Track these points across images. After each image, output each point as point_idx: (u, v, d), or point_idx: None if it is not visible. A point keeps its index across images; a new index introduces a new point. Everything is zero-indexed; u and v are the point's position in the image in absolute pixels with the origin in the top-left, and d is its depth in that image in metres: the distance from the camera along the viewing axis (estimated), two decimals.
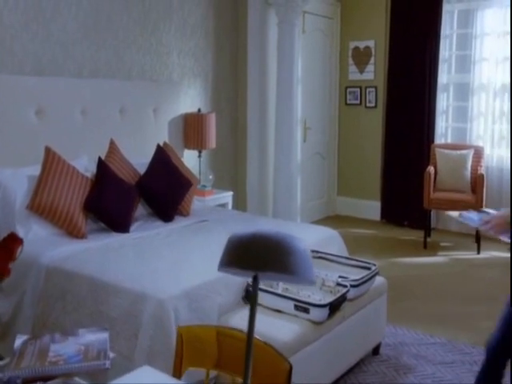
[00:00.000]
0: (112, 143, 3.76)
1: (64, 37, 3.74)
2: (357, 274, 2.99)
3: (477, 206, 5.21)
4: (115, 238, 3.26)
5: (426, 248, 5.43)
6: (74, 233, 3.25)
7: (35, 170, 3.32)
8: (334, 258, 3.23)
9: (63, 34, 3.74)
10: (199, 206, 4.15)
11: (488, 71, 5.67)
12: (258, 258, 1.05)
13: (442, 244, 5.63)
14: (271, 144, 5.25)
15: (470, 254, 5.27)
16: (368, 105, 6.42)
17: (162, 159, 3.85)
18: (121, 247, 3.09)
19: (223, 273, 1.19)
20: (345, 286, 2.81)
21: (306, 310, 2.63)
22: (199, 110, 4.64)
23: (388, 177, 6.32)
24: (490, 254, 5.26)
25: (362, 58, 6.40)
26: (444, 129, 6.08)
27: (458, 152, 5.51)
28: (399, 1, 6.01)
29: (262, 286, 2.80)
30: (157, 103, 4.33)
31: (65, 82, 3.73)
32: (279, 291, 2.81)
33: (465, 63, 5.86)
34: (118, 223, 3.41)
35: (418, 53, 5.92)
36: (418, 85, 5.96)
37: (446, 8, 5.80)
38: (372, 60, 6.32)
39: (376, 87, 6.32)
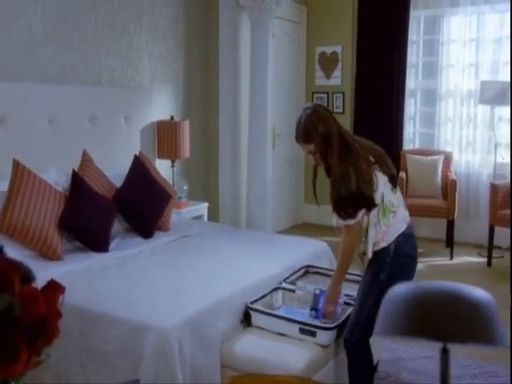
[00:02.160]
0: (85, 154, 3.48)
1: (28, 37, 3.43)
2: (354, 289, 2.85)
3: (449, 212, 5.23)
4: (95, 259, 2.99)
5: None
6: (48, 254, 2.96)
7: (2, 186, 3.01)
8: (331, 274, 3.08)
9: (27, 34, 3.43)
10: (176, 220, 3.92)
11: (455, 77, 5.71)
12: (451, 325, 0.84)
13: (420, 251, 5.60)
14: (244, 152, 5.07)
15: (443, 260, 5.27)
16: (335, 110, 6.34)
17: (140, 171, 3.60)
18: (104, 269, 2.83)
19: (395, 338, 0.94)
20: (350, 305, 2.67)
21: (313, 334, 2.46)
22: (172, 118, 4.41)
23: None
24: (463, 259, 5.28)
25: (328, 63, 6.32)
26: (412, 134, 6.09)
27: (429, 158, 5.52)
28: (366, 6, 5.97)
29: (262, 307, 2.62)
30: (128, 111, 4.06)
31: (29, 87, 3.42)
32: (282, 312, 2.64)
33: (432, 69, 5.88)
34: (97, 242, 3.14)
35: (385, 58, 5.89)
36: (386, 90, 5.94)
37: (412, 14, 5.80)
38: (339, 65, 6.26)
39: (343, 93, 6.26)
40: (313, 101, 6.42)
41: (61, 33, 3.63)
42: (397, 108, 5.90)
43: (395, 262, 2.44)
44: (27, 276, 0.93)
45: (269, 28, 4.76)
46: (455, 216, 5.28)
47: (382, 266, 2.45)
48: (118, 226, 3.48)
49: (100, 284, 2.61)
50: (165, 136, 4.26)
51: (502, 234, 5.17)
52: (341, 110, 6.30)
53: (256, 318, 2.58)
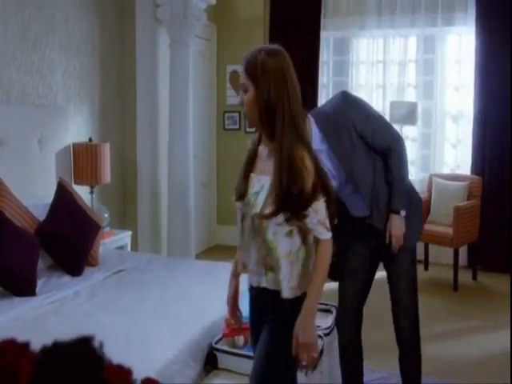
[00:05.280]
0: (1, 183, 3.02)
1: None
2: (317, 319, 2.72)
3: None
4: (25, 306, 2.57)
5: None
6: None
7: None
8: None
9: None
10: (102, 252, 3.54)
11: (365, 97, 5.83)
12: None
13: None
14: (163, 177, 4.77)
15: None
16: (247, 130, 6.24)
17: (65, 199, 3.20)
18: (40, 318, 2.43)
19: None
20: (319, 337, 2.52)
21: None
22: (90, 140, 4.02)
23: None
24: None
25: (239, 81, 6.22)
26: None
27: None
28: (277, 26, 5.97)
29: (224, 347, 2.38)
30: (42, 132, 3.63)
31: None
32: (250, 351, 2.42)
33: (342, 89, 5.99)
34: (22, 284, 2.72)
35: (297, 78, 5.90)
36: None
37: (323, 35, 5.89)
38: None
39: None
40: (224, 120, 6.28)
41: None
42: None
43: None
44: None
45: (189, 45, 4.55)
46: None
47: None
48: (40, 263, 3.05)
49: (44, 337, 2.22)
50: (83, 160, 3.87)
51: None
52: (253, 130, 6.19)
53: (223, 360, 2.35)
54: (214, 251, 6.16)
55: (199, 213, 6.07)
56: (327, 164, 2.35)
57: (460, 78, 5.47)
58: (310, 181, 1.70)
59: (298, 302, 1.79)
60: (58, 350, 0.56)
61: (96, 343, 0.60)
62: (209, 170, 6.26)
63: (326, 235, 1.76)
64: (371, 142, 2.34)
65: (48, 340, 2.05)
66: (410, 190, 2.55)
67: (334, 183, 2.34)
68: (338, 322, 2.66)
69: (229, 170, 6.37)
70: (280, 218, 1.72)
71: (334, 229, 1.81)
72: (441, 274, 5.13)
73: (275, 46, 1.86)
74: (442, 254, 5.35)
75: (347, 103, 2.35)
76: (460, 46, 5.50)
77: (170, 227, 4.71)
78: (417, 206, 2.59)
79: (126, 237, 4.13)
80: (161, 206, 4.86)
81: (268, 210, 1.72)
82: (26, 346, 0.54)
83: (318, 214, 1.73)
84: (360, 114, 2.33)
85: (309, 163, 1.71)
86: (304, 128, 1.83)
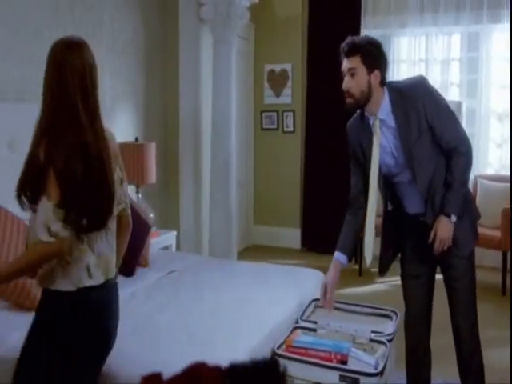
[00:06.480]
0: None
1: None
2: (376, 324, 2.67)
3: None
4: None
5: (362, 275, 5.31)
6: (26, 304, 2.49)
7: None
8: (343, 307, 2.87)
9: None
10: (150, 253, 3.54)
11: None
12: None
13: (374, 270, 5.55)
14: (206, 177, 4.76)
15: None
16: (285, 129, 6.20)
17: None
18: None
19: None
20: (381, 343, 2.46)
21: (356, 381, 2.22)
22: (136, 139, 4.03)
23: (308, 203, 6.15)
24: None
25: (278, 81, 6.18)
26: None
27: None
28: (316, 25, 5.91)
29: (293, 355, 2.34)
30: None
31: None
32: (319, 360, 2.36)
33: None
34: None
35: (336, 77, 5.82)
36: (337, 109, 5.87)
37: (363, 33, 5.80)
38: (289, 83, 6.13)
39: (294, 111, 6.14)
40: (262, 119, 6.24)
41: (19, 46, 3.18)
42: None
43: None
44: None
45: (232, 44, 4.53)
46: None
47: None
48: None
49: None
50: (129, 159, 3.87)
51: None
52: (291, 129, 6.17)
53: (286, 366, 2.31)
54: (251, 251, 6.13)
55: (236, 213, 6.05)
56: (390, 141, 2.31)
57: (506, 76, 5.34)
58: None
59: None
60: (247, 372, 0.52)
61: (281, 367, 0.55)
62: (246, 169, 6.23)
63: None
64: (439, 137, 2.28)
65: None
66: (468, 199, 2.47)
67: (391, 166, 2.30)
68: (405, 328, 2.60)
69: (266, 170, 6.34)
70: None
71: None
72: (488, 278, 5.01)
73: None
74: (487, 257, 5.23)
75: (423, 87, 2.29)
76: (506, 43, 5.37)
77: (211, 227, 4.70)
78: (474, 218, 2.49)
79: (171, 237, 4.12)
80: (202, 206, 4.84)
81: None
82: (218, 369, 0.50)
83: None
84: (434, 103, 2.26)
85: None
86: None
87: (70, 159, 1.65)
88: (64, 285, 1.73)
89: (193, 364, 0.54)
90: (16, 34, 3.19)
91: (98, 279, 1.78)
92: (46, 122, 1.70)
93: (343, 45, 2.29)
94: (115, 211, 1.84)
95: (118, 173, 1.86)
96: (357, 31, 5.77)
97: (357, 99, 2.28)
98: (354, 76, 2.26)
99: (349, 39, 2.30)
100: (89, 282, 1.75)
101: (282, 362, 0.59)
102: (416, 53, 5.69)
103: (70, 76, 1.71)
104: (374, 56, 2.26)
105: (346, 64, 2.28)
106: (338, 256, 2.55)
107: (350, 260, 2.67)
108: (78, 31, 3.62)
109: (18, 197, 1.72)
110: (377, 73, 2.26)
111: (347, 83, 2.28)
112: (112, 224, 1.85)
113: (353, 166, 2.56)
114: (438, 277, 2.60)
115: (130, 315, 2.48)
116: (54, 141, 1.66)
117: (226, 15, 4.41)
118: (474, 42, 5.51)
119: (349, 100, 2.29)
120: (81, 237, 1.72)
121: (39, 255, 1.68)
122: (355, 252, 5.40)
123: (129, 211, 1.96)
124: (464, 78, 5.54)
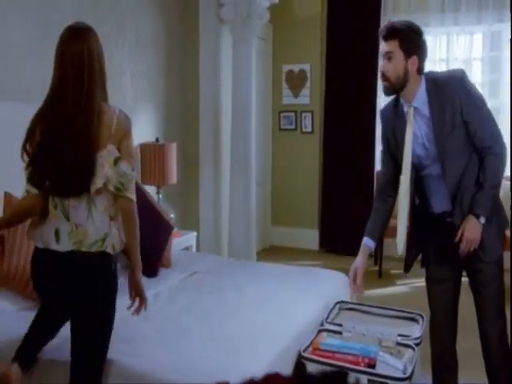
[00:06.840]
0: None
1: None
2: (402, 328, 2.63)
3: None
4: None
5: (381, 277, 5.26)
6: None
7: None
8: (367, 309, 2.84)
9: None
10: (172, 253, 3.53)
11: None
12: None
13: (394, 272, 5.50)
14: (226, 177, 4.74)
15: None
16: (304, 130, 6.17)
17: (141, 199, 3.18)
18: (127, 321, 2.40)
19: None
20: (408, 347, 2.43)
21: None
22: (157, 140, 4.02)
23: (327, 204, 6.10)
24: None
25: (296, 81, 6.15)
26: None
27: None
28: (335, 25, 5.87)
29: (321, 358, 2.30)
30: None
31: None
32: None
33: None
34: None
35: (355, 77, 5.81)
36: (356, 109, 5.84)
37: None
38: (307, 84, 6.10)
39: (312, 111, 6.10)
40: (280, 120, 6.22)
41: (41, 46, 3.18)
42: (368, 127, 5.81)
43: None
44: None
45: (252, 44, 4.51)
46: None
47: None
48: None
49: (129, 338, 2.20)
50: (150, 160, 3.87)
51: None
52: (310, 130, 6.13)
53: (313, 370, 2.28)
54: (269, 252, 6.11)
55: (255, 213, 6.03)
56: (423, 131, 2.28)
57: None
58: None
59: None
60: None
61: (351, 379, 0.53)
62: (264, 170, 6.20)
63: None
64: (472, 133, 2.23)
65: (140, 342, 1.99)
66: (497, 204, 2.41)
67: (422, 157, 2.27)
68: (431, 335, 2.55)
69: (284, 171, 6.31)
70: None
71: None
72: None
73: None
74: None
75: (461, 82, 2.24)
76: None
77: (231, 228, 4.68)
78: (502, 224, 2.44)
79: (191, 237, 4.11)
80: (222, 207, 4.83)
81: None
82: (291, 380, 0.48)
83: None
84: (470, 98, 2.22)
85: None
86: None
87: (35, 124, 1.87)
88: (36, 241, 1.94)
89: (267, 374, 0.52)
90: (38, 33, 3.19)
91: (64, 246, 1.88)
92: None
93: (382, 28, 2.26)
94: (96, 185, 1.86)
95: (110, 150, 1.87)
96: (376, 30, 5.71)
97: (392, 83, 2.24)
98: (390, 60, 2.22)
99: (388, 22, 2.27)
100: (55, 247, 1.89)
101: (351, 374, 0.56)
102: (437, 52, 5.62)
103: (68, 64, 1.88)
104: (413, 41, 2.22)
105: (383, 47, 2.25)
106: (367, 241, 2.52)
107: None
108: (100, 32, 3.62)
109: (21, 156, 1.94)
110: (414, 59, 2.22)
111: (384, 67, 2.25)
112: (98, 200, 1.90)
113: (384, 154, 2.52)
114: (463, 278, 2.56)
115: (154, 316, 2.47)
116: (38, 110, 1.91)
117: (246, 15, 4.39)
118: (496, 41, 5.43)
119: (384, 83, 2.27)
120: (54, 201, 1.88)
121: (17, 207, 2.02)
122: (376, 253, 5.36)
123: (131, 197, 1.96)
124: (486, 78, 5.47)
